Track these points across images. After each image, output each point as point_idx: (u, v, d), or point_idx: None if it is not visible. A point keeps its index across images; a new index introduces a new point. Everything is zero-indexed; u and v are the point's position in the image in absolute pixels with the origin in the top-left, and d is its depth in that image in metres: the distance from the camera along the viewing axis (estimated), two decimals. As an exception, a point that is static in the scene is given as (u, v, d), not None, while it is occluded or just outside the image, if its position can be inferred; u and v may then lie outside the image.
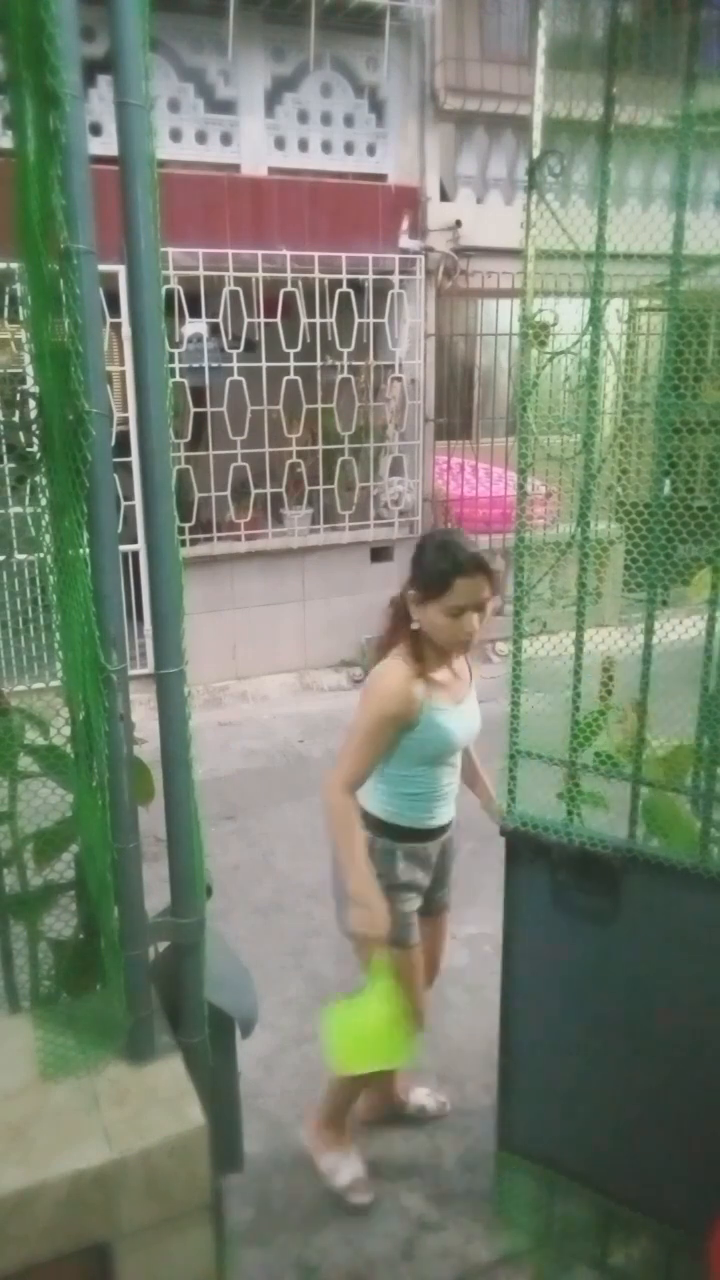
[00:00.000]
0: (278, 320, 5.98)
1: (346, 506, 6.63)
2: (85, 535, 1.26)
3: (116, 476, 1.26)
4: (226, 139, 6.06)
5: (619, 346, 1.98)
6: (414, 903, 2.23)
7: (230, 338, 5.91)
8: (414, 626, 2.06)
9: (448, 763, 2.18)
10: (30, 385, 1.52)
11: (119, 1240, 1.30)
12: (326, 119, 6.27)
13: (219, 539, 6.27)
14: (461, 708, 2.15)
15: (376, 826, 2.16)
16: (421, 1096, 2.64)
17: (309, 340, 6.10)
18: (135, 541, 5.05)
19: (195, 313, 5.82)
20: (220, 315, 5.82)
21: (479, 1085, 2.72)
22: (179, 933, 1.43)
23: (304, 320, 6.06)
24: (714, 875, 1.82)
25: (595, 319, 1.77)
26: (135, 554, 5.03)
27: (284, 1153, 2.53)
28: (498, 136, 6.79)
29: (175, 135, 5.90)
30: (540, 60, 1.69)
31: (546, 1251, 2.23)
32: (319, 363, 6.20)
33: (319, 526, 6.70)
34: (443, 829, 2.25)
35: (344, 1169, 2.39)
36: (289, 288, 5.98)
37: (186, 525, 6.06)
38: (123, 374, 5.94)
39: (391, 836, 2.17)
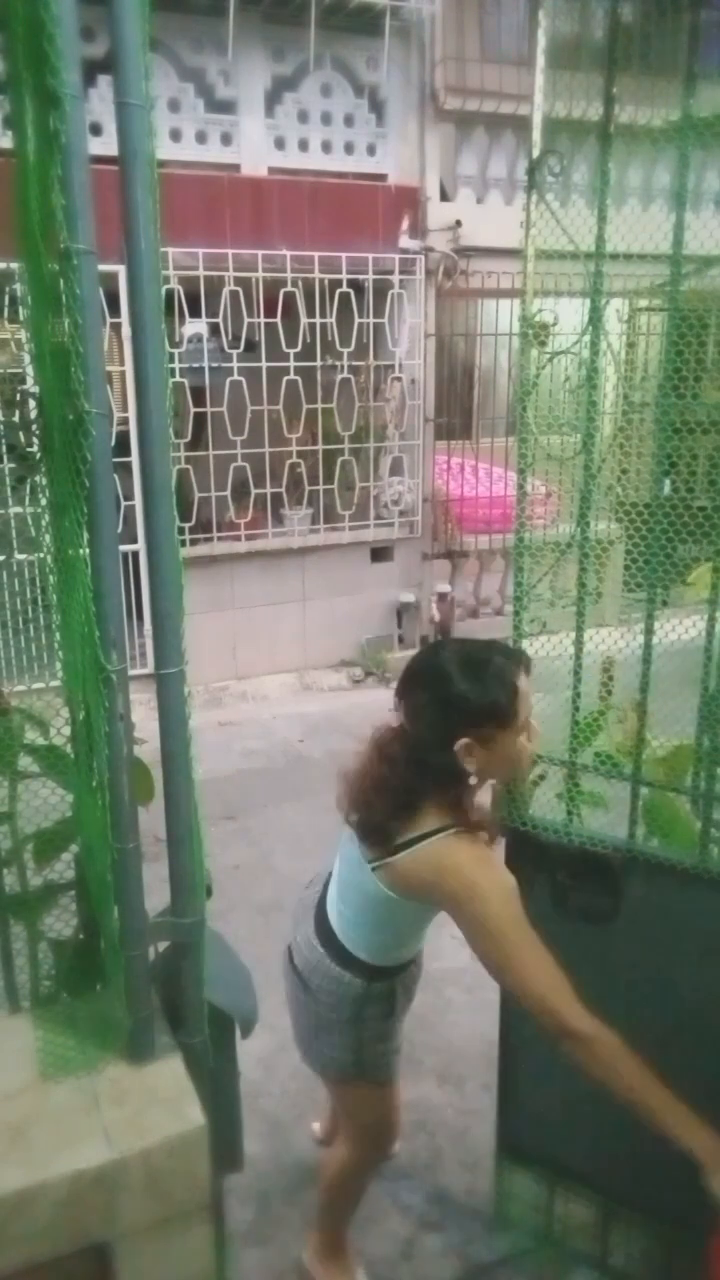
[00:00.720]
0: (278, 320, 5.98)
1: (346, 506, 6.63)
2: (85, 535, 1.26)
3: (116, 476, 1.26)
4: (226, 139, 6.06)
5: (619, 346, 1.98)
6: (398, 1039, 1.96)
7: (230, 338, 5.91)
8: (471, 781, 1.63)
9: None
10: (30, 385, 1.52)
11: (119, 1240, 1.30)
12: (326, 119, 6.27)
13: (219, 539, 6.27)
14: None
15: (373, 972, 1.83)
16: None
17: (309, 340, 6.10)
18: (135, 541, 5.04)
19: (195, 313, 5.82)
20: (220, 315, 5.82)
21: (479, 1085, 2.72)
22: (179, 933, 1.43)
23: (304, 320, 6.06)
24: (714, 875, 1.82)
25: (595, 319, 1.77)
26: (135, 554, 5.03)
27: (284, 1153, 2.53)
28: (498, 136, 6.79)
29: (175, 135, 5.90)
30: (540, 60, 1.69)
31: (546, 1251, 2.23)
32: (319, 363, 6.20)
33: (319, 526, 6.70)
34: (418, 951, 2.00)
35: None
36: (289, 288, 5.98)
37: (186, 525, 6.07)
38: (123, 374, 5.94)
39: (391, 976, 1.87)
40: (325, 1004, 1.86)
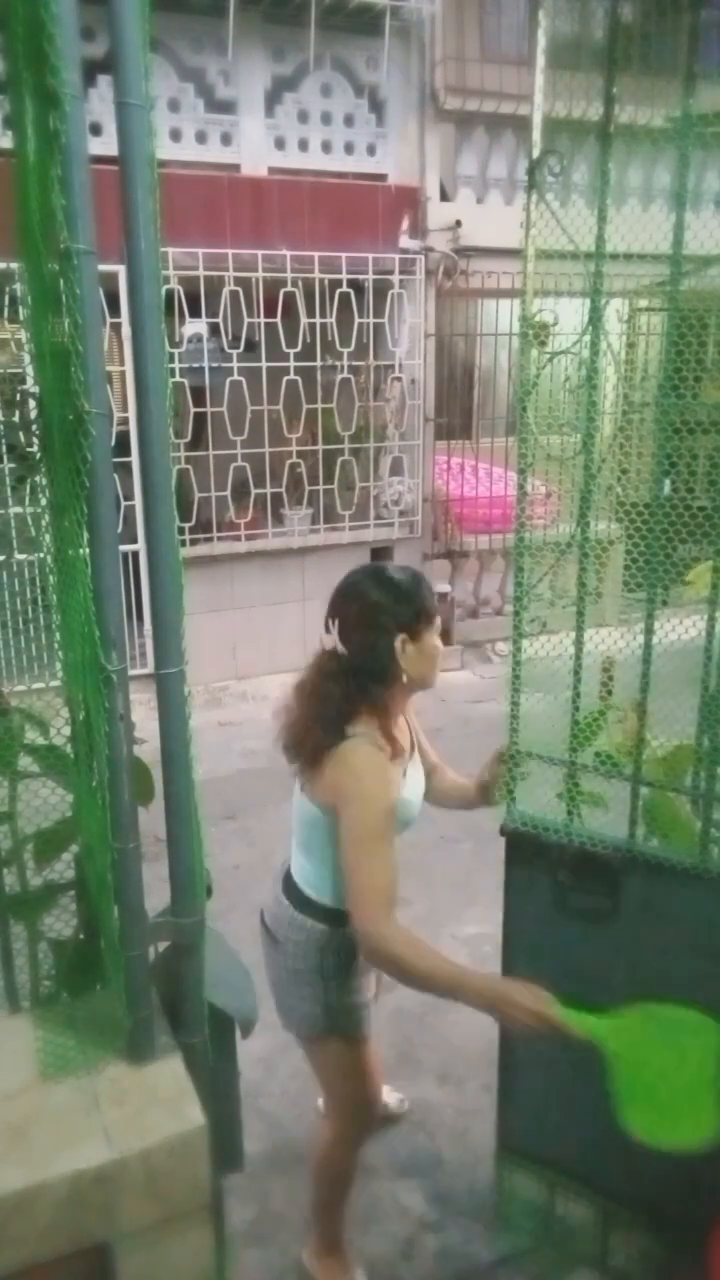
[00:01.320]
0: (278, 320, 5.98)
1: (346, 506, 6.63)
2: (85, 535, 1.26)
3: (116, 476, 1.26)
4: (226, 139, 6.06)
5: (619, 346, 1.98)
6: (367, 992, 1.99)
7: (230, 338, 5.91)
8: (404, 680, 1.82)
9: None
10: (30, 385, 1.52)
11: (119, 1240, 1.30)
12: (326, 119, 6.28)
13: (219, 539, 6.27)
14: (413, 769, 1.98)
15: (332, 917, 1.88)
16: (384, 1094, 2.62)
17: (309, 340, 6.10)
18: (135, 541, 5.05)
19: (195, 313, 5.83)
20: (220, 315, 5.83)
21: (479, 1085, 2.72)
22: (179, 933, 1.43)
23: (304, 320, 6.06)
24: (714, 875, 1.83)
25: (595, 319, 1.77)
26: (135, 554, 5.03)
27: (284, 1153, 2.53)
28: (498, 136, 6.79)
29: (175, 135, 5.90)
30: (540, 60, 1.69)
31: (546, 1251, 2.23)
32: (319, 363, 6.20)
33: (319, 526, 6.70)
34: None
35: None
36: (289, 288, 5.98)
37: (186, 525, 6.07)
38: (123, 374, 5.95)
39: (336, 923, 1.89)
40: (292, 954, 1.93)
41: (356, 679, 1.81)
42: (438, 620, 1.87)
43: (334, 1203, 2.15)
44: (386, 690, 1.83)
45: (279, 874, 2.06)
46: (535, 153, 1.73)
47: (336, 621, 1.83)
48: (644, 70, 1.66)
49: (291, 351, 6.03)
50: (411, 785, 1.94)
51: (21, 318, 1.66)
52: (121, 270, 1.17)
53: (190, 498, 6.08)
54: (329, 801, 1.80)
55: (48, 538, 1.54)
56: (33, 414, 1.44)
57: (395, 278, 6.40)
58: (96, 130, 4.84)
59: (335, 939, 1.89)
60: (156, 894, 1.41)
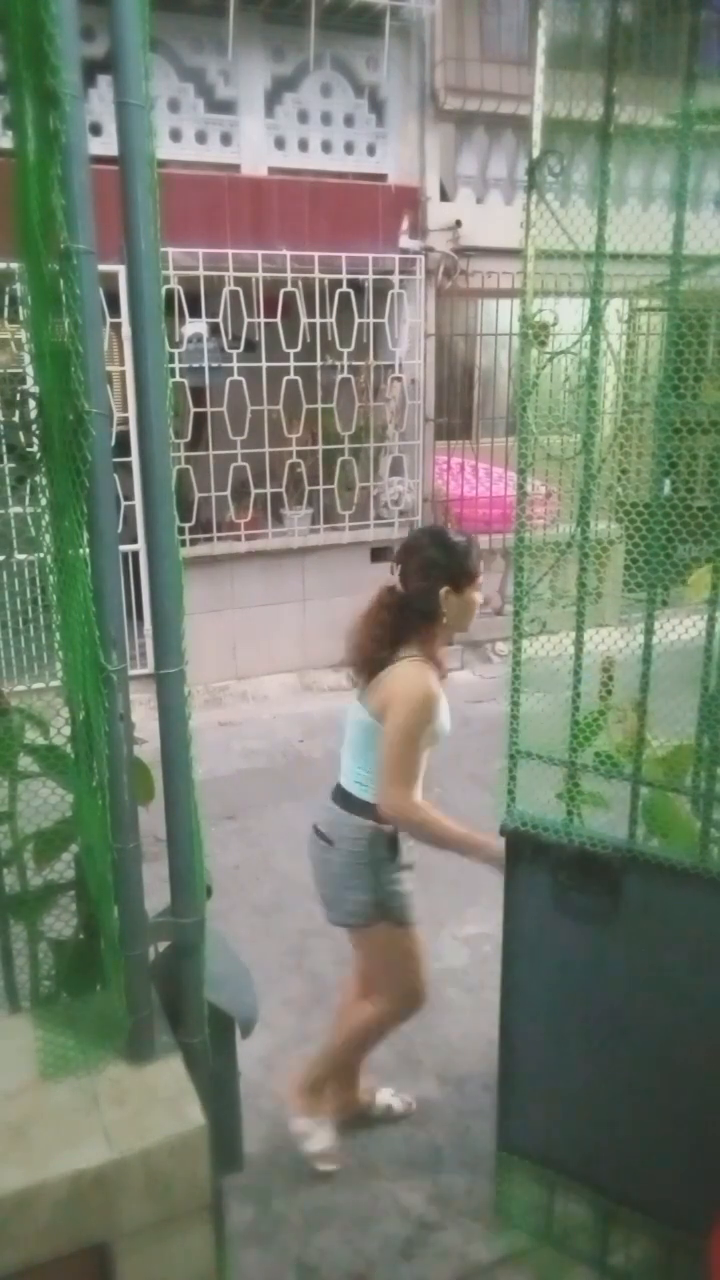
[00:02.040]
0: (278, 320, 5.97)
1: (346, 506, 6.63)
2: (85, 535, 1.26)
3: (116, 476, 1.26)
4: (226, 139, 6.06)
5: (619, 346, 1.98)
6: (410, 882, 2.32)
7: (230, 338, 5.91)
8: (444, 621, 2.18)
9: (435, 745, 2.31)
10: (30, 385, 1.52)
11: (119, 1240, 1.30)
12: (326, 119, 6.27)
13: (219, 539, 6.27)
14: (445, 695, 2.26)
15: (381, 816, 2.22)
16: (387, 1097, 2.65)
17: (309, 340, 6.10)
18: (135, 541, 5.05)
19: (195, 313, 5.82)
20: (220, 315, 5.82)
21: (479, 1085, 2.72)
22: (179, 933, 1.43)
23: (304, 320, 6.06)
24: (714, 875, 1.82)
25: (595, 319, 1.77)
26: (135, 554, 5.03)
27: (284, 1153, 2.53)
28: (498, 136, 6.79)
29: (175, 135, 5.90)
30: (540, 60, 1.69)
31: (546, 1251, 2.23)
32: (319, 363, 6.20)
33: (319, 526, 6.70)
34: None
35: (316, 1136, 2.48)
36: (289, 288, 5.98)
37: (186, 525, 6.06)
38: (123, 374, 5.94)
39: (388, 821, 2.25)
40: (346, 851, 2.25)
41: (408, 613, 2.20)
42: (479, 580, 2.22)
43: (344, 1060, 2.47)
44: (430, 626, 2.21)
45: (322, 799, 2.38)
46: (535, 153, 1.74)
47: (399, 566, 2.23)
48: (644, 70, 1.66)
49: (291, 351, 6.03)
50: (445, 709, 2.23)
51: (21, 318, 1.66)
52: (121, 270, 1.17)
53: (190, 498, 6.08)
54: (381, 707, 2.17)
55: (48, 538, 1.54)
56: (33, 414, 1.44)
57: (395, 278, 6.40)
58: (96, 130, 4.84)
59: (384, 833, 2.23)
60: (156, 894, 1.41)
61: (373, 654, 2.21)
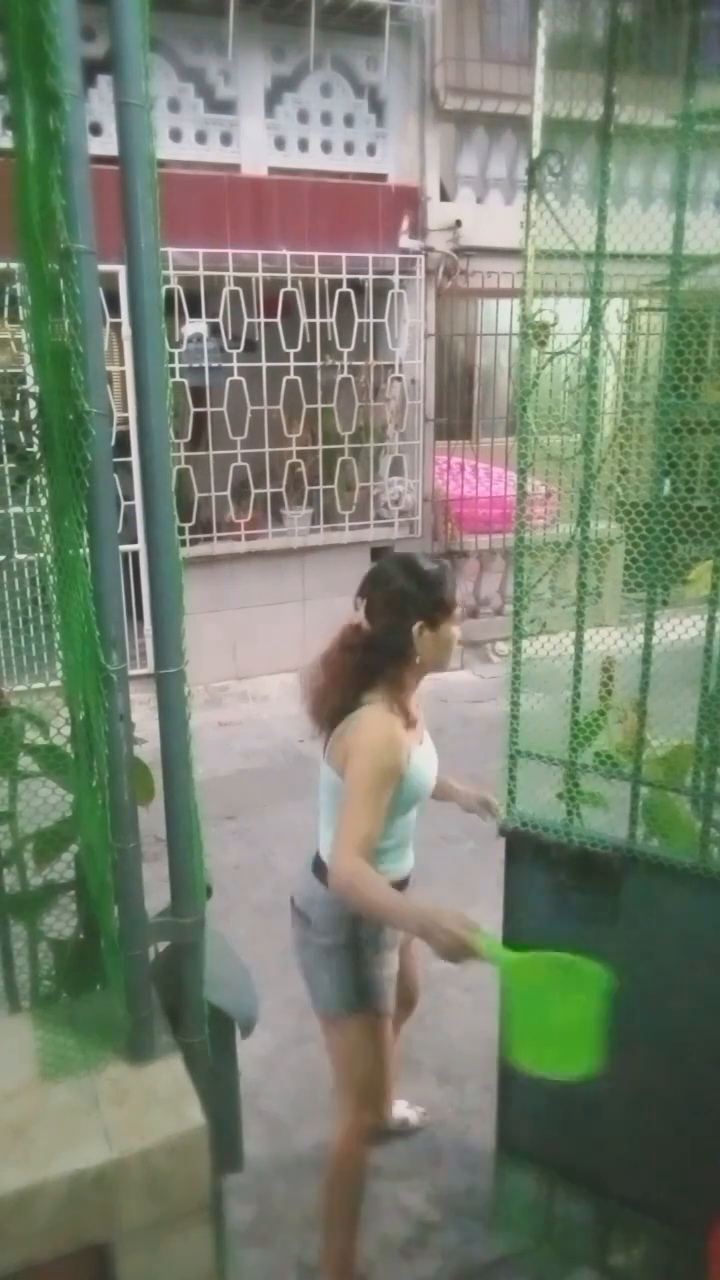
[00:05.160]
0: (278, 320, 5.98)
1: (346, 506, 6.63)
2: (85, 535, 1.26)
3: (116, 476, 1.26)
4: (226, 139, 6.06)
5: (619, 346, 1.98)
6: (394, 965, 2.06)
7: (230, 338, 5.91)
8: (417, 661, 1.93)
9: (418, 807, 2.07)
10: (30, 385, 1.52)
11: (119, 1240, 1.30)
12: (326, 119, 6.28)
13: (219, 539, 6.27)
14: (425, 745, 2.04)
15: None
16: (402, 1109, 2.63)
17: (309, 340, 6.10)
18: (135, 541, 5.05)
19: (195, 313, 5.82)
20: (220, 315, 5.82)
21: (479, 1085, 2.72)
22: (179, 933, 1.43)
23: (304, 320, 6.06)
24: (714, 875, 1.82)
25: (595, 319, 1.77)
26: (135, 554, 5.03)
27: (284, 1153, 2.53)
28: (498, 136, 6.79)
29: (175, 135, 5.90)
30: (540, 60, 1.69)
31: (546, 1251, 2.23)
32: (319, 363, 6.20)
33: (319, 526, 6.70)
34: (410, 872, 2.13)
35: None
36: (289, 288, 5.98)
37: (186, 525, 6.06)
38: (123, 374, 5.94)
39: None
40: (323, 931, 1.99)
41: (375, 654, 1.93)
42: (457, 612, 1.96)
43: (347, 1216, 2.12)
44: (401, 668, 1.95)
45: (308, 858, 2.12)
46: (535, 153, 1.74)
47: (364, 600, 1.96)
48: (644, 70, 1.66)
49: (291, 351, 6.03)
50: (425, 756, 2.01)
51: (21, 318, 1.66)
52: (121, 270, 1.17)
53: (190, 498, 6.08)
54: (342, 763, 1.90)
55: (48, 538, 1.54)
56: (33, 414, 1.44)
57: (395, 278, 6.40)
58: (96, 130, 4.84)
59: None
60: (156, 894, 1.41)
61: (334, 702, 1.94)
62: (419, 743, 2.00)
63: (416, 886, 2.40)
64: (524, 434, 1.87)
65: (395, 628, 1.91)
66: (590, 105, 1.68)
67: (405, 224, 6.45)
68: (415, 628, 1.90)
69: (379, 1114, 2.11)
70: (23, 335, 4.30)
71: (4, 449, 1.53)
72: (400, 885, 2.05)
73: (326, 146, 6.32)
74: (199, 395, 6.04)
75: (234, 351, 5.90)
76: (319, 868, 2.03)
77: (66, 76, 1.10)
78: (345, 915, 1.96)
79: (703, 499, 1.76)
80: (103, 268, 1.19)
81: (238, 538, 6.32)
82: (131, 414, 4.63)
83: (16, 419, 1.47)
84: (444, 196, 6.68)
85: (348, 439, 6.47)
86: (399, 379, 6.64)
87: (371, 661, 1.93)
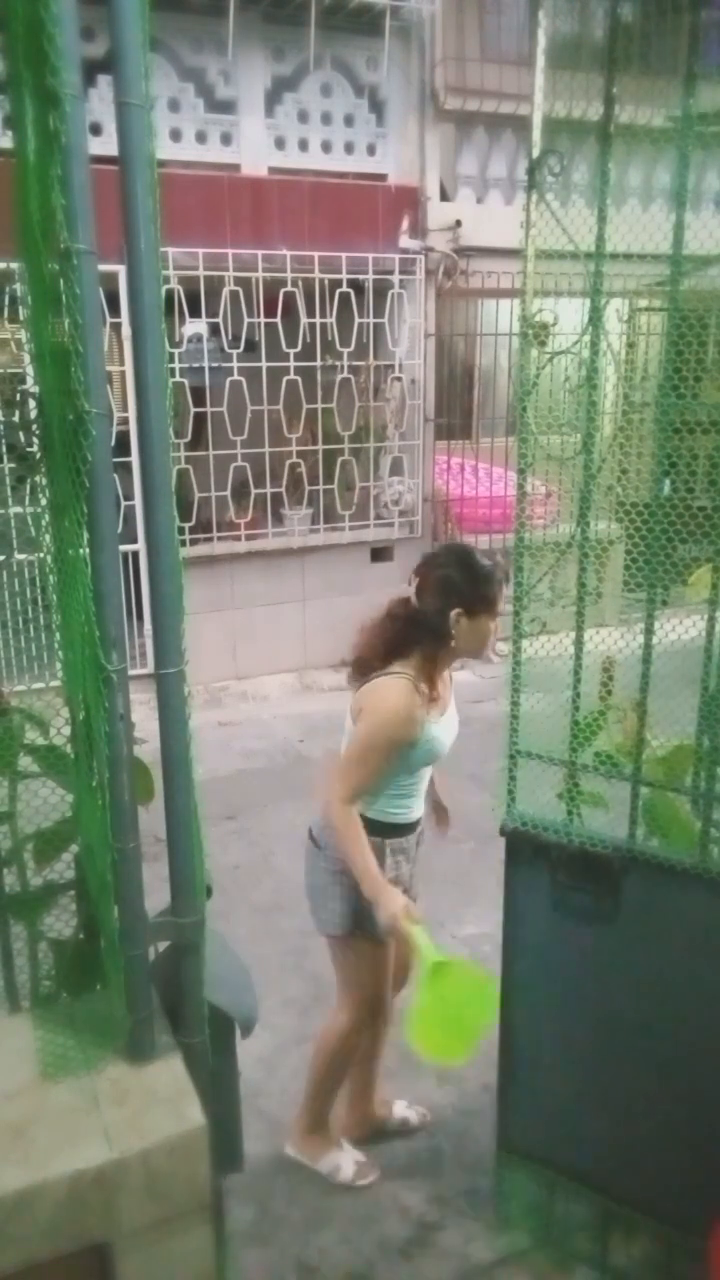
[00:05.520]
0: (278, 320, 5.98)
1: (346, 506, 6.63)
2: (85, 535, 1.26)
3: (116, 476, 1.26)
4: (226, 139, 6.06)
5: (619, 346, 1.98)
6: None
7: (230, 338, 5.91)
8: (452, 645, 2.10)
9: (433, 766, 2.28)
10: (30, 385, 1.52)
11: (119, 1240, 1.30)
12: (326, 119, 6.27)
13: (219, 539, 6.27)
14: (447, 715, 2.22)
15: (369, 826, 2.17)
16: (402, 1109, 2.64)
17: (309, 340, 6.10)
18: (135, 541, 5.04)
19: (195, 313, 5.82)
20: (220, 315, 5.82)
21: (479, 1085, 2.72)
22: (179, 933, 1.43)
23: (304, 320, 6.06)
24: (714, 875, 1.82)
25: (595, 319, 1.77)
26: (135, 554, 5.03)
27: (284, 1153, 2.53)
28: (498, 136, 6.79)
29: (175, 135, 5.90)
30: (540, 60, 1.69)
31: (546, 1251, 2.23)
32: (319, 363, 6.20)
33: (319, 526, 6.70)
34: (419, 820, 2.33)
35: (344, 1163, 2.44)
36: (289, 288, 5.98)
37: (186, 525, 6.06)
38: (123, 374, 5.94)
39: (380, 834, 2.20)
40: (331, 857, 2.20)
41: (414, 628, 2.12)
42: (497, 609, 2.11)
43: (328, 1087, 2.43)
44: (436, 647, 2.12)
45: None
46: (535, 153, 1.73)
47: (417, 578, 2.15)
48: (644, 70, 1.66)
49: (291, 351, 6.03)
50: (444, 727, 2.20)
51: (21, 318, 1.66)
52: (121, 270, 1.17)
53: (190, 498, 6.08)
54: (356, 715, 2.13)
55: (48, 538, 1.54)
56: (33, 414, 1.44)
57: (395, 278, 6.40)
58: (96, 130, 4.84)
59: (370, 844, 2.15)
60: (156, 894, 1.41)
61: (367, 659, 2.17)
62: (441, 714, 2.18)
63: (418, 882, 2.42)
64: (524, 434, 1.87)
65: (436, 609, 2.08)
66: (590, 105, 1.68)
67: (405, 224, 6.45)
68: (454, 614, 2.06)
69: (376, 1017, 2.38)
70: (23, 335, 4.30)
71: (4, 449, 1.53)
72: (410, 828, 2.28)
73: (326, 146, 6.32)
74: (199, 395, 6.04)
75: (234, 351, 5.90)
76: None
77: (66, 76, 1.10)
78: None
79: (703, 499, 1.76)
80: (103, 268, 1.19)
81: (238, 538, 6.32)
82: (131, 414, 4.63)
83: (16, 419, 1.47)
84: (444, 196, 6.68)
85: (348, 439, 6.47)
86: (399, 379, 6.64)
87: (410, 634, 2.12)
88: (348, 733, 2.20)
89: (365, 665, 2.17)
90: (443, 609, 2.07)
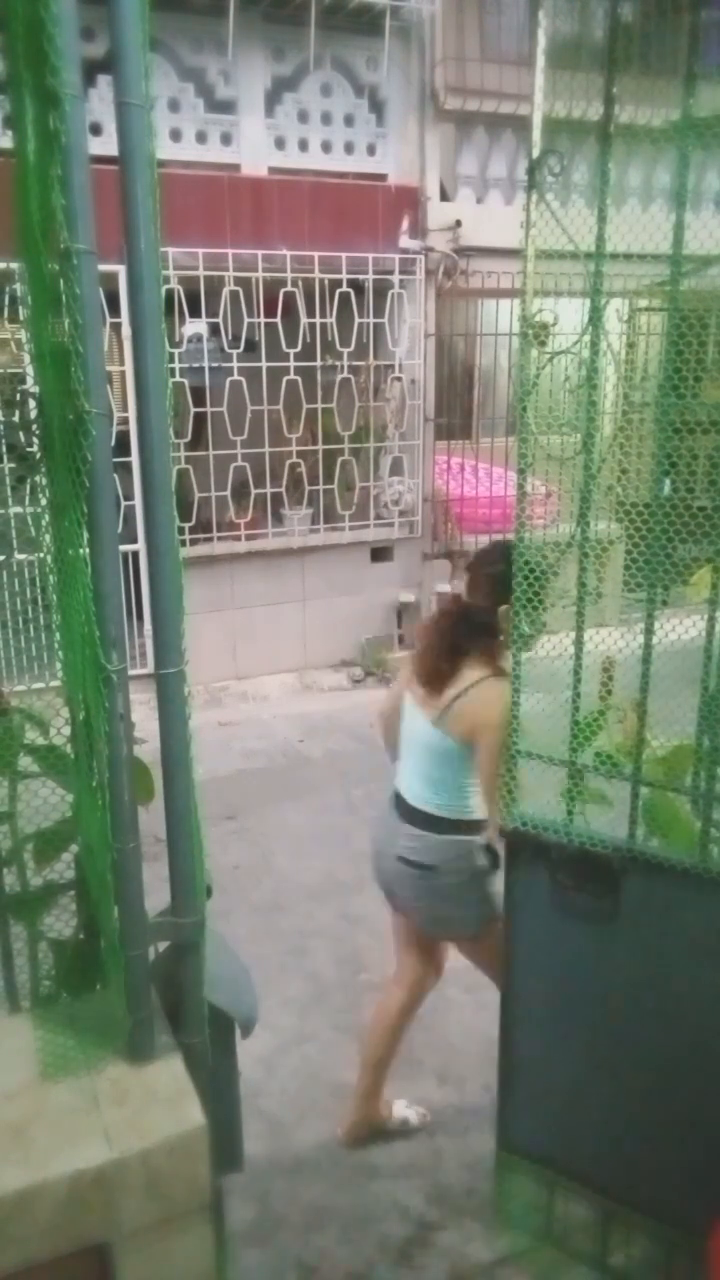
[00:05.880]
0: (278, 320, 5.98)
1: (346, 506, 6.63)
2: (85, 535, 1.26)
3: (116, 476, 1.26)
4: (226, 139, 6.06)
5: (619, 346, 1.98)
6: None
7: (230, 338, 5.91)
8: (501, 639, 2.14)
9: None
10: (30, 385, 1.52)
11: (119, 1240, 1.30)
12: (326, 119, 6.27)
13: (219, 539, 6.27)
14: None
15: (478, 826, 2.28)
16: (402, 1109, 2.64)
17: (309, 340, 6.10)
18: (135, 541, 5.05)
19: (195, 313, 5.82)
20: (220, 315, 5.82)
21: (479, 1085, 2.72)
22: (179, 933, 1.43)
23: (304, 320, 6.06)
24: (714, 875, 1.82)
25: (595, 319, 1.77)
26: (135, 554, 5.03)
27: (284, 1153, 2.53)
28: (498, 136, 6.79)
29: (175, 135, 5.90)
30: (540, 60, 1.69)
31: (546, 1251, 2.22)
32: (319, 363, 6.20)
33: (319, 526, 6.70)
34: None
35: (410, 1116, 2.62)
36: (289, 288, 5.98)
37: (186, 525, 6.07)
38: (123, 374, 5.94)
39: (476, 831, 2.30)
40: (454, 870, 2.29)
41: (466, 624, 2.22)
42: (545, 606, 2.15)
43: (387, 1057, 2.53)
44: (490, 642, 2.20)
45: (396, 823, 2.37)
46: (535, 153, 1.73)
47: (468, 574, 2.25)
48: (644, 70, 1.66)
49: (291, 351, 6.03)
50: None
51: (21, 318, 1.66)
52: (121, 270, 1.17)
53: (190, 498, 6.08)
54: (467, 733, 2.18)
55: (48, 538, 1.54)
56: (33, 414, 1.44)
57: (395, 278, 6.40)
58: (96, 130, 4.84)
59: (482, 845, 2.27)
60: (156, 894, 1.41)
61: (434, 663, 2.22)
62: None
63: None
64: (524, 434, 1.87)
65: (485, 604, 2.17)
66: (590, 105, 1.68)
67: (405, 224, 6.45)
68: (503, 609, 2.10)
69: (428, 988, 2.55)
70: (23, 335, 4.30)
71: (4, 449, 1.53)
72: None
73: (326, 146, 6.32)
74: (199, 395, 6.04)
75: (234, 351, 5.90)
76: (427, 821, 2.30)
77: (66, 76, 1.10)
78: (469, 852, 2.27)
79: (703, 499, 1.76)
80: (103, 268, 1.19)
81: (238, 538, 6.32)
82: (131, 414, 4.62)
83: (16, 419, 1.47)
84: (444, 196, 6.68)
85: (348, 439, 6.47)
86: (399, 379, 6.64)
87: (463, 630, 2.21)
88: (434, 747, 2.25)
89: (431, 671, 2.24)
90: (490, 603, 2.15)
